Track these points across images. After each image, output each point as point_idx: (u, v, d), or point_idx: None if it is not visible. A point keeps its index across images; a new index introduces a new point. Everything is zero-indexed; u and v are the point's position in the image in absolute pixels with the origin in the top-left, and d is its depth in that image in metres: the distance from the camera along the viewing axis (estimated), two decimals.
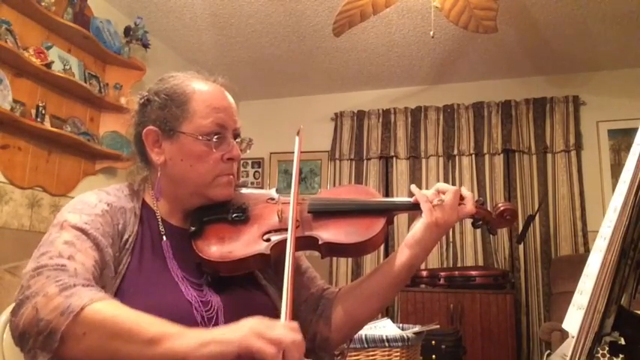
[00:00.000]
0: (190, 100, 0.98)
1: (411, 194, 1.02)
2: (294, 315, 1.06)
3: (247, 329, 0.68)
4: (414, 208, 1.01)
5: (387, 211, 1.01)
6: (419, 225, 0.99)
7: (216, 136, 0.97)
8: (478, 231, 4.05)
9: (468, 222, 1.07)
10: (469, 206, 1.00)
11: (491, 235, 3.98)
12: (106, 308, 0.73)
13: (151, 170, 1.04)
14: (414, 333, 1.83)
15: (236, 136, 1.03)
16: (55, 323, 0.70)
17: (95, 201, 0.94)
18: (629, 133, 3.97)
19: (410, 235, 1.00)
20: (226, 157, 0.99)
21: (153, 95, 1.01)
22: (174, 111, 0.98)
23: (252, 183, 4.93)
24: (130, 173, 1.06)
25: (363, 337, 1.74)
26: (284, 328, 0.70)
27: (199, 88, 1.01)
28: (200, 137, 0.96)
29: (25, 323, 0.72)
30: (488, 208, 1.06)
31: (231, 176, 1.01)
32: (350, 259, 4.33)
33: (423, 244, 0.98)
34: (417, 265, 1.01)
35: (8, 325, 1.01)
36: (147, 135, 0.99)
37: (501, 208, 1.04)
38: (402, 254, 1.00)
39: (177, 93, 0.99)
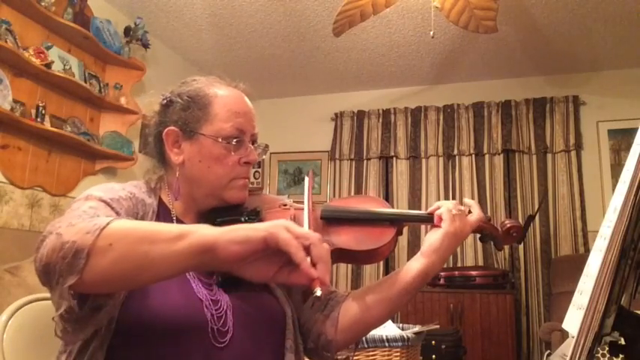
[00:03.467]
0: (212, 104, 1.01)
1: (413, 195, 1.04)
2: (299, 314, 1.07)
3: (277, 222, 0.71)
4: (428, 220, 1.05)
5: (398, 222, 1.03)
6: (437, 234, 1.01)
7: (235, 140, 0.99)
8: None
9: None
10: (478, 214, 1.05)
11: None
12: (130, 222, 0.76)
13: (167, 170, 1.05)
14: (414, 333, 1.84)
15: (253, 141, 1.05)
16: (81, 242, 0.70)
17: (119, 187, 0.97)
18: (629, 133, 3.98)
19: (427, 244, 1.01)
20: (243, 160, 1.01)
21: (175, 97, 1.03)
22: (195, 113, 1.00)
23: (252, 183, 4.93)
24: (147, 172, 1.07)
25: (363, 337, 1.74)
26: (311, 230, 0.73)
27: (221, 92, 1.03)
28: (220, 140, 0.99)
29: (49, 251, 0.71)
30: (494, 224, 1.08)
31: (247, 180, 1.04)
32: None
33: (440, 253, 1.00)
34: (432, 274, 1.03)
35: (9, 324, 1.02)
36: (167, 135, 1.01)
37: (508, 225, 1.06)
38: (418, 262, 1.01)
39: (200, 95, 1.02)
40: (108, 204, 0.88)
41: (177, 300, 0.88)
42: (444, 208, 1.02)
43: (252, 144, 1.04)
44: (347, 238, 0.98)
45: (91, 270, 0.69)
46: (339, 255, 0.97)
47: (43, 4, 2.69)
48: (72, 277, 0.69)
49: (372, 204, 1.09)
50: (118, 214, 0.87)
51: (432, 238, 1.01)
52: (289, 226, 0.70)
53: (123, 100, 3.25)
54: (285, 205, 1.08)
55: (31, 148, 2.78)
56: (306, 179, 1.07)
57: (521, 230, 1.07)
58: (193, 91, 1.03)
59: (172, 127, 1.01)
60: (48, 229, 0.76)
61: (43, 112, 2.72)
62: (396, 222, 1.03)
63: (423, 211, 1.08)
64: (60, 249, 0.70)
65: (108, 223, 0.71)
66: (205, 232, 0.71)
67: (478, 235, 1.07)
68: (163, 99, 1.04)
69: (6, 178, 2.65)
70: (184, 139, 1.01)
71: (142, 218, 0.96)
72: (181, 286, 0.91)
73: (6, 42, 2.47)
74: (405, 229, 4.14)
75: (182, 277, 0.92)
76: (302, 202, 1.02)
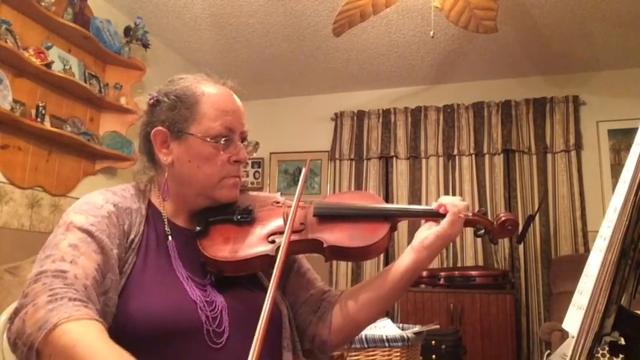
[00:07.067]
0: (199, 102, 0.99)
1: (413, 195, 1.03)
2: (294, 315, 1.07)
3: None
4: (423, 215, 1.04)
5: (392, 217, 1.02)
6: (431, 232, 0.99)
7: (223, 139, 0.98)
8: None
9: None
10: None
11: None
12: (74, 331, 0.71)
13: (157, 170, 1.04)
14: (414, 333, 1.84)
15: (243, 139, 1.04)
16: (33, 338, 0.71)
17: (102, 202, 0.95)
18: (629, 133, 3.98)
19: (419, 240, 1.00)
20: (233, 159, 1.00)
21: (162, 96, 1.02)
22: (183, 112, 0.99)
23: (252, 183, 4.93)
24: (137, 173, 1.06)
25: (363, 337, 1.74)
26: None
27: (209, 90, 1.02)
28: (208, 139, 0.97)
29: (15, 334, 0.74)
30: (490, 218, 1.06)
31: (237, 178, 1.02)
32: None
33: (430, 250, 0.99)
34: (420, 270, 1.01)
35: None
36: (155, 135, 1.00)
37: (503, 218, 1.04)
38: (408, 258, 1.00)
39: (187, 95, 1.00)
40: (90, 234, 0.87)
41: (170, 303, 0.88)
42: (454, 208, 0.99)
43: (242, 142, 1.03)
44: (340, 235, 0.97)
45: None
46: (333, 252, 0.97)
47: (43, 4, 2.69)
48: None
49: (366, 200, 1.08)
50: (100, 243, 0.87)
51: (424, 234, 0.99)
52: None
53: (123, 100, 3.25)
54: (277, 202, 1.07)
55: (31, 148, 2.78)
56: (303, 171, 1.05)
57: (516, 223, 1.05)
58: (180, 90, 1.01)
59: (160, 127, 0.99)
60: (24, 296, 0.77)
61: (43, 112, 2.72)
62: (390, 217, 1.01)
63: (418, 206, 1.07)
64: (21, 336, 0.73)
65: (55, 326, 0.71)
66: None
67: (473, 230, 1.05)
68: (150, 98, 1.03)
69: (6, 178, 2.65)
70: (173, 139, 0.99)
71: (129, 227, 0.95)
72: (174, 288, 0.91)
73: (6, 42, 2.46)
74: (405, 229, 4.14)
75: (175, 279, 0.92)
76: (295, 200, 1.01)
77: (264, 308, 0.75)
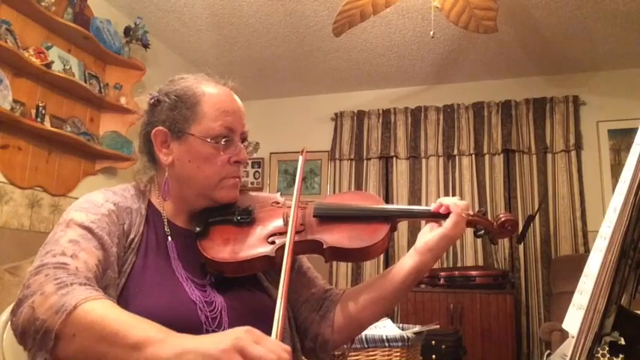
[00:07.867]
0: (200, 103, 0.99)
1: (413, 195, 1.03)
2: (296, 314, 1.07)
3: (230, 342, 0.65)
4: (422, 215, 1.04)
5: (391, 218, 1.01)
6: (435, 233, 0.99)
7: (224, 139, 0.98)
8: None
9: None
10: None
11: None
12: (98, 308, 0.72)
13: (157, 170, 1.04)
14: (414, 333, 1.84)
15: (243, 139, 1.04)
16: (50, 322, 0.70)
17: (102, 200, 0.95)
18: (629, 133, 3.98)
19: (422, 241, 1.00)
20: (233, 159, 1.00)
21: (163, 96, 1.02)
22: (183, 112, 0.99)
23: (252, 183, 4.93)
24: (137, 173, 1.06)
25: (363, 337, 1.74)
26: (270, 346, 0.66)
27: (209, 90, 1.01)
28: (208, 139, 0.97)
29: (24, 323, 0.73)
30: (490, 218, 1.06)
31: (237, 179, 1.02)
32: None
33: (435, 252, 0.99)
34: (424, 271, 1.02)
35: (9, 324, 1.02)
36: (156, 135, 1.00)
37: (502, 219, 1.04)
38: (412, 259, 1.00)
39: (188, 95, 1.00)
40: (90, 230, 0.87)
41: (170, 303, 0.88)
42: (457, 208, 0.99)
43: (243, 142, 1.03)
44: (340, 236, 0.97)
45: (60, 352, 0.71)
46: (333, 253, 0.96)
47: (43, 4, 2.69)
48: (42, 354, 0.71)
49: (366, 200, 1.08)
50: (100, 240, 0.87)
51: (428, 237, 0.99)
52: (244, 345, 0.65)
53: (123, 100, 3.25)
54: (277, 202, 1.07)
55: (31, 148, 2.78)
56: (300, 159, 1.04)
57: (516, 224, 1.05)
58: (181, 90, 1.01)
59: (160, 127, 0.99)
60: (26, 287, 0.76)
61: (43, 112, 2.72)
62: (389, 218, 1.01)
63: (418, 206, 1.07)
64: (33, 324, 0.72)
65: (75, 307, 0.70)
66: (159, 350, 0.67)
67: (472, 230, 1.05)
68: (151, 98, 1.03)
69: (6, 178, 2.65)
70: (173, 139, 0.99)
71: (129, 227, 0.95)
72: (174, 288, 0.91)
73: (6, 42, 2.46)
74: (405, 229, 4.14)
75: (174, 279, 0.92)
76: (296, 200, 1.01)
77: (275, 320, 0.75)
